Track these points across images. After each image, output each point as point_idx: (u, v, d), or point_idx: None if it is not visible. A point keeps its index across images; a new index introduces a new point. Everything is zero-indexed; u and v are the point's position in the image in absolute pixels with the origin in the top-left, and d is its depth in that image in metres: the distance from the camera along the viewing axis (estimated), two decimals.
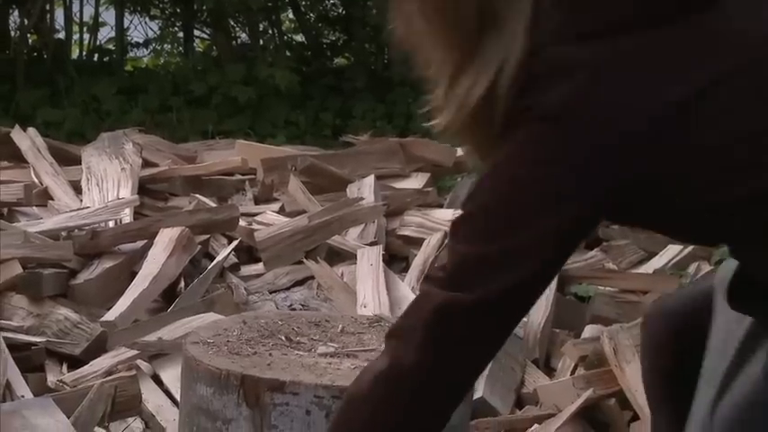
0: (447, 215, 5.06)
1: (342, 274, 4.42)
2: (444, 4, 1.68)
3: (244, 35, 11.14)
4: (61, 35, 10.77)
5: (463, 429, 2.36)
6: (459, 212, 1.70)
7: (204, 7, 10.81)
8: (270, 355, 2.34)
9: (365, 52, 10.64)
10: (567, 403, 3.58)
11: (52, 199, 5.03)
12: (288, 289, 4.40)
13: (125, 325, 3.84)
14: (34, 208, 4.91)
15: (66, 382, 3.57)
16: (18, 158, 5.54)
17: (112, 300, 4.02)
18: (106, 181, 5.09)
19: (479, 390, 3.52)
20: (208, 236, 4.62)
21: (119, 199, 4.82)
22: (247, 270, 4.61)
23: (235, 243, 4.60)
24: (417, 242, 4.66)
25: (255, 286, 4.42)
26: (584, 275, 4.71)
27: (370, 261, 4.31)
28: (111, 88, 9.69)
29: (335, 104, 9.79)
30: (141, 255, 4.34)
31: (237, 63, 9.99)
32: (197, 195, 5.19)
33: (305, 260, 4.56)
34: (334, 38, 11.03)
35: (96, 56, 10.97)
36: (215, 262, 4.37)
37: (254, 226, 4.83)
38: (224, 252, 4.48)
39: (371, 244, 4.58)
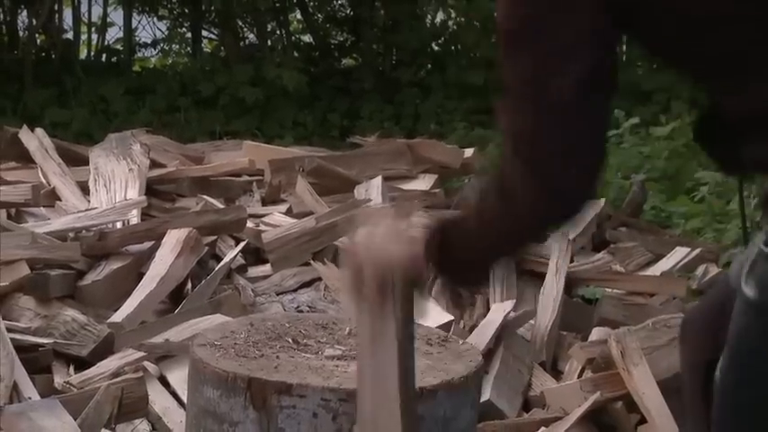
0: None
1: None
2: None
3: (251, 36, 11.16)
4: (69, 35, 10.79)
5: None
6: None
7: (212, 8, 10.82)
8: (277, 357, 2.34)
9: (373, 53, 10.64)
10: (574, 406, 3.57)
11: (60, 200, 5.03)
12: (295, 290, 4.40)
13: (132, 326, 3.84)
14: (42, 209, 4.90)
15: (73, 383, 3.57)
16: (26, 159, 5.54)
17: (120, 301, 4.01)
18: (114, 182, 5.09)
19: (486, 392, 3.52)
20: (215, 237, 4.62)
21: (126, 200, 4.82)
22: (254, 271, 4.61)
23: (242, 244, 4.60)
24: None
25: (262, 288, 4.41)
26: (591, 278, 4.70)
27: None
28: (118, 88, 9.71)
29: (343, 105, 9.80)
30: (148, 256, 4.34)
31: (245, 63, 10.00)
32: (204, 196, 5.19)
33: (312, 262, 4.55)
34: (341, 38, 11.04)
35: (104, 56, 10.99)
36: (222, 263, 4.36)
37: (262, 227, 4.83)
38: (231, 253, 4.47)
39: None
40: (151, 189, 5.17)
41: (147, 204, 4.86)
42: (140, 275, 4.20)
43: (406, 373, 1.96)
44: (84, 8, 10.95)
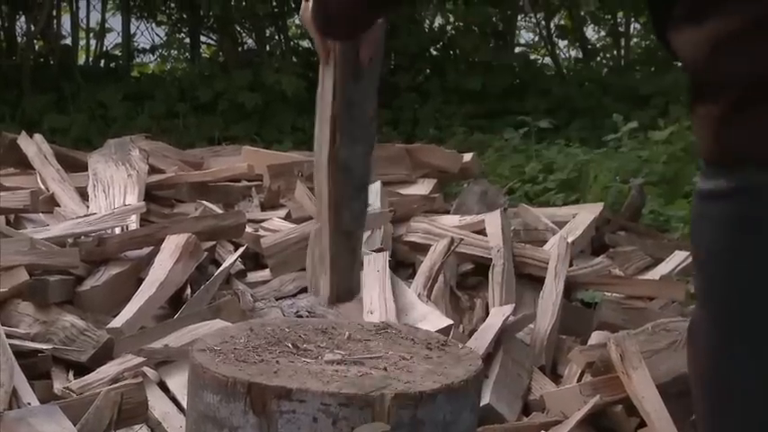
0: (453, 221, 5.06)
1: None
2: None
3: (250, 41, 11.18)
4: (68, 41, 10.80)
5: None
6: None
7: (211, 13, 10.84)
8: (277, 362, 2.34)
9: None
10: (573, 410, 3.57)
11: (59, 205, 5.03)
12: (294, 295, 4.40)
13: (131, 332, 3.84)
14: (41, 214, 4.91)
15: (73, 389, 3.56)
16: (24, 165, 5.54)
17: (119, 306, 4.01)
18: (113, 187, 5.09)
19: (486, 397, 3.52)
20: (214, 242, 4.62)
21: (125, 205, 4.82)
22: (254, 276, 4.61)
23: (241, 249, 4.60)
24: (424, 248, 4.65)
25: (262, 293, 4.42)
26: (590, 282, 4.70)
27: (376, 267, 4.31)
28: (117, 94, 9.72)
29: None
30: (148, 261, 4.34)
31: (244, 69, 10.02)
32: (203, 202, 5.19)
33: None
34: None
35: (103, 62, 11.01)
36: (221, 268, 4.36)
37: (261, 232, 4.83)
38: (230, 258, 4.48)
39: (378, 250, 4.58)
40: (150, 195, 5.17)
41: (146, 210, 4.86)
42: (139, 281, 4.20)
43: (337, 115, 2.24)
44: (82, 14, 10.98)
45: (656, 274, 4.96)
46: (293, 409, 2.18)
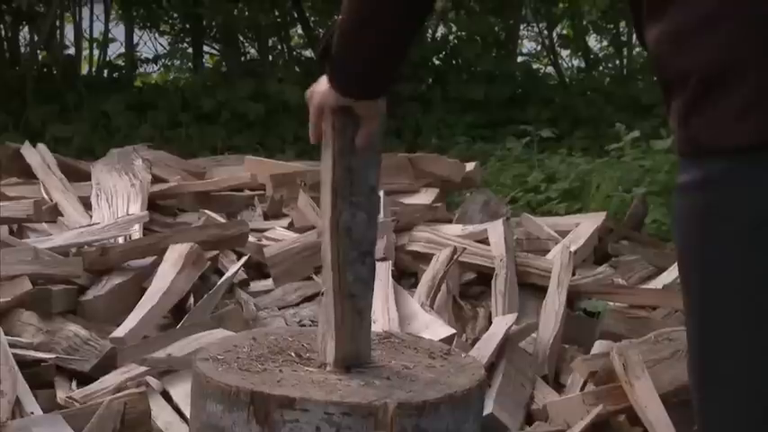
0: (456, 230, 5.06)
1: None
2: None
3: (253, 51, 11.19)
4: (71, 51, 10.82)
5: None
6: None
7: (214, 23, 10.85)
8: (280, 371, 2.34)
9: None
10: (576, 419, 3.57)
11: (62, 215, 5.04)
12: (297, 305, 4.40)
13: (134, 341, 3.84)
14: (44, 224, 4.91)
15: (76, 398, 3.56)
16: (28, 174, 5.55)
17: (122, 316, 4.01)
18: (116, 197, 5.09)
19: (489, 406, 3.52)
20: (217, 252, 4.62)
21: (128, 215, 4.83)
22: (257, 286, 4.61)
23: (244, 259, 4.60)
24: (426, 258, 4.66)
25: (265, 302, 4.42)
26: (593, 291, 4.70)
27: (379, 277, 4.30)
28: (120, 104, 9.73)
29: None
30: (151, 271, 4.34)
31: (247, 79, 10.02)
32: (206, 211, 5.20)
33: (314, 276, 4.56)
34: None
35: (106, 72, 11.02)
36: (224, 278, 4.36)
37: (264, 242, 4.83)
38: (233, 268, 4.48)
39: (381, 259, 4.58)
40: (153, 204, 5.18)
41: (149, 219, 4.87)
42: (143, 290, 4.20)
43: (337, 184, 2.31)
44: (85, 24, 10.99)
45: (658, 283, 4.95)
46: (296, 419, 2.19)
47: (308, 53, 11.16)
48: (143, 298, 4.10)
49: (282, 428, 2.19)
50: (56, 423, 3.20)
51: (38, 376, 3.66)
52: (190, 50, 11.28)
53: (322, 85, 2.26)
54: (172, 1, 11.12)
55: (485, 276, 4.62)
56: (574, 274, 4.69)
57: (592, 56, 11.88)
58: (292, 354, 2.45)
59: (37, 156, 5.61)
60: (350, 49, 2.15)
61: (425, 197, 5.73)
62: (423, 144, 9.16)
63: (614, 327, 4.28)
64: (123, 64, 11.07)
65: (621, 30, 11.63)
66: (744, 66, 1.70)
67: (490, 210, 5.61)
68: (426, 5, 2.15)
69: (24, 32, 10.64)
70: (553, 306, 4.30)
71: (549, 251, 4.98)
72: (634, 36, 11.45)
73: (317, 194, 5.47)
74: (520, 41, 12.02)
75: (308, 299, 4.44)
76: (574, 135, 9.72)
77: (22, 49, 10.64)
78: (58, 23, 10.66)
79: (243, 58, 11.09)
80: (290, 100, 9.35)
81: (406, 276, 4.76)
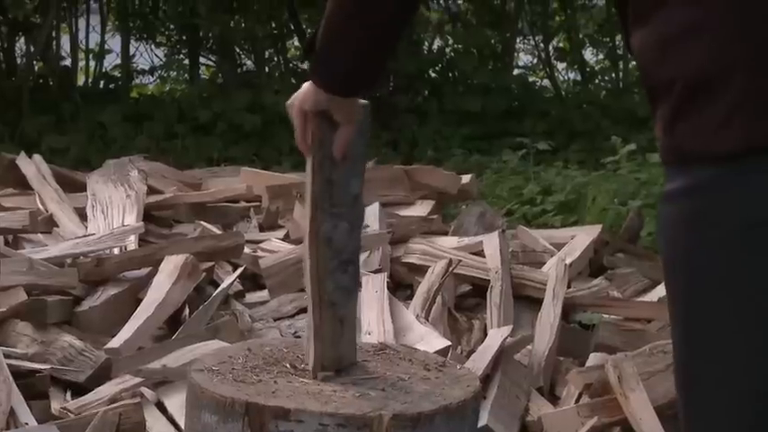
0: (452, 243, 5.06)
1: None
2: None
3: (249, 62, 11.19)
4: (67, 62, 10.82)
5: None
6: None
7: (210, 35, 10.85)
8: (275, 382, 2.34)
9: None
10: (571, 431, 3.57)
11: (57, 226, 5.04)
12: (292, 316, 4.40)
13: (129, 352, 3.84)
14: (39, 235, 4.91)
15: (71, 409, 3.56)
16: (23, 185, 5.55)
17: (117, 327, 4.01)
18: (111, 208, 5.09)
19: (484, 418, 3.52)
20: (213, 263, 4.62)
21: (124, 226, 4.83)
22: (252, 297, 4.61)
23: (240, 270, 4.60)
24: (422, 270, 4.66)
25: (260, 313, 4.42)
26: (588, 303, 4.70)
27: (374, 288, 4.31)
28: (116, 115, 9.72)
29: None
30: (146, 282, 4.34)
31: (243, 90, 10.02)
32: (202, 222, 5.20)
33: None
34: None
35: (102, 83, 11.02)
36: (220, 289, 4.36)
37: (259, 253, 4.83)
38: (229, 279, 4.48)
39: (376, 271, 4.58)
40: (149, 215, 5.18)
41: (145, 230, 4.87)
42: (138, 301, 4.20)
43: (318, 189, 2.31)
44: (81, 35, 10.99)
45: (654, 296, 4.95)
46: (291, 430, 2.19)
47: (305, 65, 11.16)
48: (138, 309, 4.10)
49: None
50: None
51: (32, 387, 3.66)
52: (186, 62, 11.28)
53: (303, 87, 2.25)
54: (168, 12, 11.12)
55: (480, 288, 4.62)
56: (569, 287, 4.69)
57: (588, 69, 11.89)
58: (287, 365, 2.45)
59: (32, 166, 5.61)
60: (335, 42, 2.12)
61: (421, 209, 5.73)
62: (419, 156, 9.16)
63: (609, 339, 4.28)
64: (119, 75, 11.07)
65: (617, 43, 11.64)
66: (729, 72, 1.71)
67: (486, 222, 5.61)
68: (414, 1, 2.14)
69: (21, 43, 10.64)
70: (548, 318, 4.30)
71: (544, 263, 4.99)
72: None
73: None
74: (516, 54, 12.03)
75: (304, 310, 4.42)
76: (570, 148, 9.72)
77: (19, 60, 10.64)
78: (54, 34, 10.66)
79: (239, 70, 11.09)
80: (286, 111, 9.36)
81: (401, 288, 4.76)
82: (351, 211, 2.35)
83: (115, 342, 3.87)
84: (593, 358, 4.06)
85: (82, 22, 11.05)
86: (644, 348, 3.89)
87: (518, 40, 11.99)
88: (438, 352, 3.53)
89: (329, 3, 2.11)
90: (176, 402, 3.52)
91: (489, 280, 4.55)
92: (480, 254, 4.80)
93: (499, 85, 10.95)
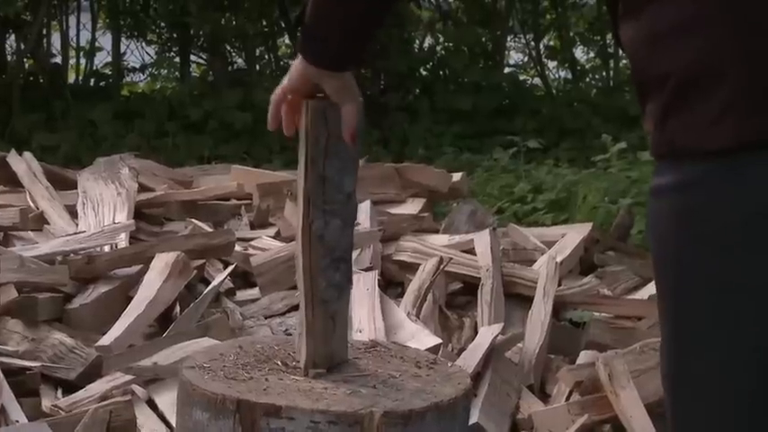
0: (442, 240, 5.07)
1: None
2: None
3: (240, 60, 11.18)
4: (58, 60, 10.81)
5: None
6: None
7: (201, 33, 10.85)
8: (266, 380, 2.34)
9: (361, 78, 10.67)
10: (561, 429, 3.58)
11: (48, 223, 5.03)
12: (283, 314, 4.40)
13: (120, 350, 3.84)
14: (30, 232, 4.91)
15: (61, 406, 3.56)
16: (14, 183, 5.54)
17: (108, 324, 4.01)
18: (102, 205, 5.09)
19: (474, 415, 3.52)
20: (203, 261, 4.62)
21: (115, 223, 4.82)
22: (243, 295, 4.61)
23: (230, 268, 4.60)
24: (413, 267, 4.66)
25: (251, 311, 4.42)
26: (579, 301, 4.71)
27: (365, 286, 4.31)
28: (107, 113, 9.72)
29: None
30: (137, 279, 4.34)
31: (234, 88, 10.02)
32: (193, 220, 5.19)
33: None
34: None
35: (93, 80, 11.01)
36: (210, 287, 4.36)
37: (250, 251, 4.83)
38: (219, 277, 4.48)
39: (367, 269, 4.59)
40: (139, 213, 5.17)
41: (136, 228, 4.86)
42: (128, 299, 4.19)
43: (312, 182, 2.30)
44: (72, 33, 10.98)
45: (644, 293, 4.96)
46: (282, 427, 2.19)
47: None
48: (129, 306, 4.10)
49: None
50: (41, 431, 3.20)
51: (23, 384, 3.66)
52: (177, 60, 11.28)
53: (291, 68, 2.21)
54: (159, 10, 11.11)
55: (471, 286, 4.63)
56: (560, 285, 4.70)
57: (578, 67, 11.90)
58: (278, 362, 2.45)
59: (23, 164, 5.60)
60: (322, 13, 2.08)
61: (412, 207, 5.74)
62: (410, 154, 9.16)
63: (600, 337, 4.29)
64: (110, 73, 11.07)
65: (608, 41, 11.66)
66: (722, 69, 1.71)
67: (477, 220, 5.62)
68: None
69: (11, 41, 10.63)
70: (539, 316, 4.31)
71: (535, 261, 4.99)
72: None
73: None
74: (507, 53, 12.04)
75: (295, 308, 4.43)
76: (560, 146, 9.73)
77: (9, 58, 10.63)
78: (45, 32, 10.65)
79: (230, 68, 11.09)
80: None
81: (392, 286, 4.77)
82: (344, 209, 2.34)
83: (106, 340, 3.87)
84: (584, 356, 4.07)
85: (73, 20, 11.04)
86: (634, 346, 3.90)
87: (509, 39, 12.01)
88: (429, 349, 3.54)
89: None
90: (167, 400, 3.52)
91: (480, 278, 4.56)
92: (471, 252, 4.81)
93: (490, 83, 10.96)
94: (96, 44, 11.01)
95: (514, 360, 4.10)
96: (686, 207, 1.77)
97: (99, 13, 11.13)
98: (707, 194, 1.74)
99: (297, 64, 2.19)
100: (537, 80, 11.93)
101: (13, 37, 10.56)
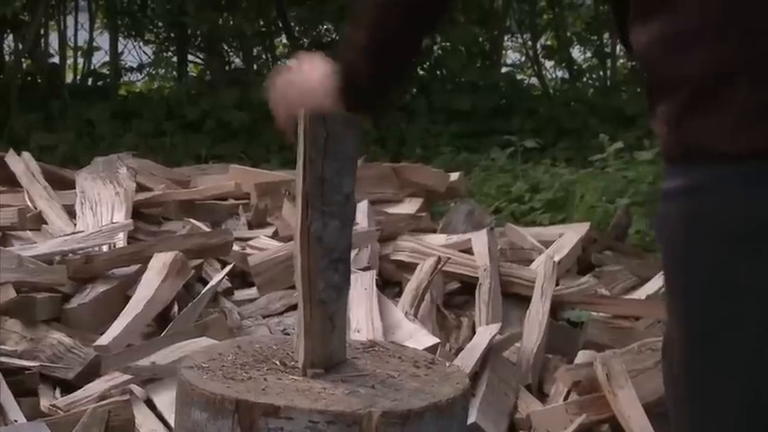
0: (440, 240, 5.07)
1: None
2: None
3: (237, 60, 11.19)
4: (55, 60, 10.81)
5: None
6: None
7: (198, 32, 10.85)
8: (264, 379, 2.34)
9: None
10: (559, 429, 3.58)
11: (46, 223, 5.03)
12: (281, 314, 4.40)
13: (118, 349, 3.84)
14: (28, 232, 4.91)
15: (60, 406, 3.56)
16: (12, 183, 5.54)
17: (106, 324, 4.01)
18: (100, 205, 5.09)
19: (472, 415, 3.53)
20: (201, 260, 4.62)
21: (113, 223, 4.82)
22: (241, 295, 4.61)
23: (228, 268, 4.60)
24: (410, 267, 4.66)
25: (249, 311, 4.42)
26: (577, 301, 4.72)
27: (363, 286, 4.32)
28: (105, 112, 9.72)
29: None
30: (135, 279, 4.34)
31: (231, 87, 10.02)
32: (191, 220, 5.19)
33: None
34: None
35: (90, 80, 11.01)
36: (208, 286, 4.36)
37: (248, 250, 4.83)
38: (217, 277, 4.48)
39: (365, 269, 4.59)
40: (137, 212, 5.17)
41: (134, 228, 4.86)
42: (127, 299, 4.20)
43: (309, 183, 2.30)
44: (70, 32, 10.98)
45: (642, 293, 4.97)
46: (281, 427, 2.19)
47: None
48: (127, 306, 4.10)
49: None
50: (39, 431, 3.20)
51: (21, 384, 3.66)
52: (174, 59, 11.28)
53: (304, 76, 2.22)
54: (156, 10, 11.11)
55: (469, 286, 4.63)
56: (557, 284, 4.70)
57: (575, 67, 11.91)
58: (277, 362, 2.45)
59: (21, 164, 5.61)
60: (366, 64, 2.11)
61: (410, 207, 5.74)
62: (407, 154, 9.16)
63: (598, 337, 4.30)
64: (108, 72, 11.06)
65: (605, 41, 11.67)
66: (737, 76, 1.72)
67: (474, 220, 5.62)
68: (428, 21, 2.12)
69: (9, 41, 10.63)
70: (537, 316, 4.31)
71: (532, 261, 5.00)
72: (618, 47, 11.49)
73: None
74: (504, 52, 12.05)
75: (293, 307, 4.43)
76: (558, 146, 9.74)
77: (7, 58, 10.63)
78: (42, 32, 10.65)
79: (227, 67, 11.09)
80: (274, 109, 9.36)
81: (390, 286, 4.77)
82: (342, 210, 2.35)
83: (104, 339, 3.87)
84: (582, 356, 4.08)
85: (70, 20, 11.04)
86: (632, 346, 3.90)
87: (506, 38, 12.01)
88: (427, 349, 3.54)
89: (350, 28, 2.13)
90: (166, 399, 3.53)
91: (478, 277, 4.56)
92: (469, 251, 4.81)
93: (487, 82, 10.96)
94: (94, 44, 11.01)
95: (512, 360, 4.10)
96: (696, 211, 1.78)
97: (96, 12, 11.12)
98: (719, 199, 1.75)
99: (325, 96, 2.18)
100: (534, 80, 11.94)
101: (11, 37, 10.56)
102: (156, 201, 5.42)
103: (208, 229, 5.02)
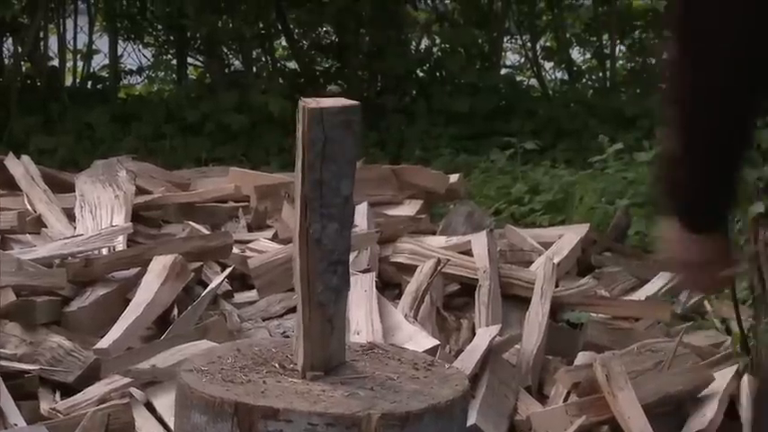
0: (440, 242, 5.07)
1: None
2: None
3: (237, 62, 11.18)
4: (55, 63, 10.80)
5: None
6: None
7: (198, 35, 10.85)
8: (264, 382, 2.34)
9: (358, 79, 10.67)
10: (559, 430, 3.58)
11: (46, 226, 5.03)
12: (281, 316, 4.40)
13: (118, 352, 3.84)
14: (28, 235, 4.91)
15: (60, 409, 3.56)
16: (11, 186, 5.54)
17: (106, 327, 4.01)
18: (100, 208, 5.09)
19: (472, 417, 3.53)
20: (201, 263, 4.63)
21: (112, 226, 4.83)
22: (240, 297, 4.61)
23: (228, 270, 4.61)
24: (410, 269, 4.66)
25: (249, 313, 4.42)
26: (576, 302, 4.72)
27: (363, 288, 4.32)
28: (104, 115, 9.70)
29: None
30: (135, 282, 4.34)
31: (231, 90, 10.02)
32: (190, 222, 5.20)
33: None
34: (326, 65, 11.07)
35: (90, 83, 11.00)
36: (208, 289, 4.37)
37: (248, 253, 4.84)
38: (217, 279, 4.48)
39: (365, 271, 4.59)
40: (137, 215, 5.17)
41: (133, 231, 4.86)
42: (126, 302, 4.20)
43: None
44: (69, 36, 10.97)
45: (641, 294, 4.97)
46: (280, 429, 2.19)
47: (292, 64, 11.16)
48: (127, 309, 4.10)
49: None
50: None
51: (21, 387, 3.66)
52: (174, 62, 11.27)
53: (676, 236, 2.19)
54: (156, 13, 11.10)
55: (468, 288, 4.63)
56: (557, 286, 4.70)
57: (575, 68, 11.90)
58: (276, 365, 2.46)
59: (21, 167, 5.61)
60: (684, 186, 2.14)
61: (409, 209, 5.74)
62: (407, 156, 9.15)
63: (597, 338, 4.30)
64: (107, 75, 11.05)
65: (605, 42, 11.66)
66: None
67: (474, 221, 5.62)
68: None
69: (8, 44, 10.62)
70: (536, 317, 4.31)
71: (532, 263, 5.00)
72: (617, 49, 11.50)
73: None
74: (503, 54, 12.03)
75: (292, 310, 4.43)
76: (557, 147, 9.73)
77: (6, 61, 10.62)
78: (42, 35, 10.64)
79: (227, 70, 11.08)
80: (274, 111, 9.35)
81: (389, 288, 4.77)
82: (341, 212, 2.35)
83: (104, 342, 3.87)
84: (582, 357, 4.08)
85: (70, 23, 11.02)
86: (632, 347, 3.91)
87: (505, 40, 11.99)
88: (426, 351, 3.54)
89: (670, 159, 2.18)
90: (165, 402, 3.53)
91: (477, 279, 4.56)
92: (468, 253, 4.81)
93: (486, 84, 10.95)
94: (93, 47, 10.99)
95: (512, 361, 4.10)
96: None
97: (96, 15, 11.11)
98: None
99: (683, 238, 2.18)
100: (533, 81, 11.92)
101: (10, 40, 10.55)
102: (156, 204, 5.42)
103: (207, 232, 5.03)
